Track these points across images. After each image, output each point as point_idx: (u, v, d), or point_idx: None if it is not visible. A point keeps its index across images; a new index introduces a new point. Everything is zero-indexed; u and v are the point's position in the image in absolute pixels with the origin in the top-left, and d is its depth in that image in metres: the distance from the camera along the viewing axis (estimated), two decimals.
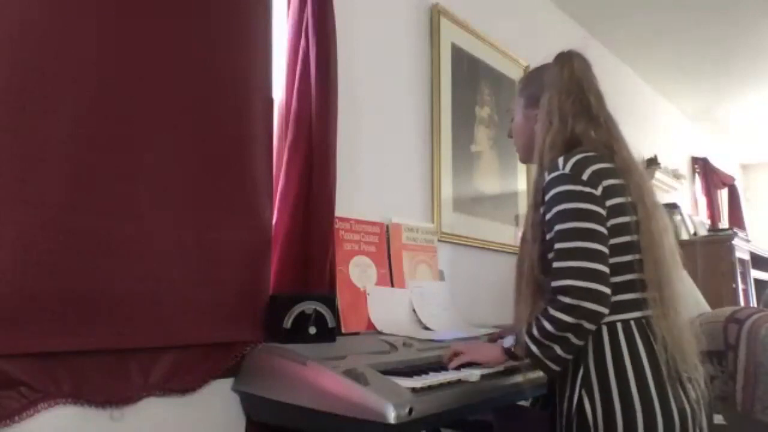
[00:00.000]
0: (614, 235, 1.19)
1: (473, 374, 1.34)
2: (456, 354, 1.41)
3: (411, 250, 1.94)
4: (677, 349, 1.17)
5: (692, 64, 4.10)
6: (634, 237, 1.21)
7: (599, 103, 1.33)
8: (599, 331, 1.19)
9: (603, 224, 1.18)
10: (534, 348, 1.20)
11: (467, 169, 2.43)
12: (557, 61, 1.36)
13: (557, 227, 1.20)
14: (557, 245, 1.19)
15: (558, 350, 1.17)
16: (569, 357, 1.19)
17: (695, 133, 5.30)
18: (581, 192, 1.19)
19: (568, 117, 1.30)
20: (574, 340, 1.16)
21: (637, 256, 1.20)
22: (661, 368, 1.16)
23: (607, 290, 1.14)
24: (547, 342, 1.18)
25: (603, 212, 1.19)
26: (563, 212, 1.19)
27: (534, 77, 1.44)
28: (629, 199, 1.22)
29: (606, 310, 1.14)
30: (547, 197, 1.24)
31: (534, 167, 1.36)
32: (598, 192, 1.20)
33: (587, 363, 1.19)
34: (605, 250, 1.17)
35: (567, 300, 1.14)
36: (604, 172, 1.22)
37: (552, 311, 1.16)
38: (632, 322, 1.19)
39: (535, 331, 1.19)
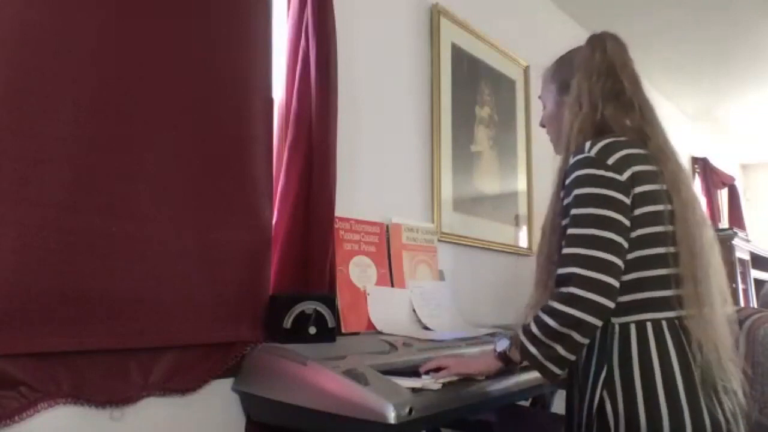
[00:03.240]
0: (645, 224, 1.12)
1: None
2: (439, 368, 1.29)
3: (411, 250, 1.94)
4: (713, 354, 1.08)
5: (692, 64, 4.10)
6: (669, 228, 1.12)
7: (634, 86, 1.26)
8: (626, 330, 1.11)
9: (624, 213, 1.10)
10: (532, 349, 1.11)
11: (467, 169, 2.43)
12: (589, 43, 1.30)
13: (573, 212, 1.13)
14: (570, 230, 1.11)
15: (560, 350, 1.08)
16: (572, 357, 1.09)
17: (695, 133, 5.29)
18: (603, 177, 1.12)
19: (598, 101, 1.23)
20: (577, 337, 1.06)
21: (671, 249, 1.11)
22: (693, 373, 1.07)
23: (616, 284, 1.06)
24: (548, 341, 1.08)
25: (626, 200, 1.11)
26: (581, 197, 1.12)
27: (565, 61, 1.37)
28: (664, 186, 1.14)
29: (612, 304, 1.05)
30: (568, 181, 1.17)
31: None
32: (623, 178, 1.12)
33: (611, 364, 1.11)
34: (621, 241, 1.08)
35: (571, 290, 1.05)
36: (633, 158, 1.15)
37: (554, 304, 1.07)
38: (664, 322, 1.10)
39: (534, 329, 1.10)
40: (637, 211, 1.12)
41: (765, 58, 3.97)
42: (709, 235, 1.17)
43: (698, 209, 1.18)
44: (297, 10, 1.66)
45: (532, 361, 1.13)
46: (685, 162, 4.93)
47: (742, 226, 5.28)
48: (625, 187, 1.12)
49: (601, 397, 1.10)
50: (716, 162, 5.38)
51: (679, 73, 4.24)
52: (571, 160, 1.18)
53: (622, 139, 1.18)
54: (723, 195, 5.64)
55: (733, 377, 1.11)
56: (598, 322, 1.07)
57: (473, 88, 2.52)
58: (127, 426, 1.22)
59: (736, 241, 4.09)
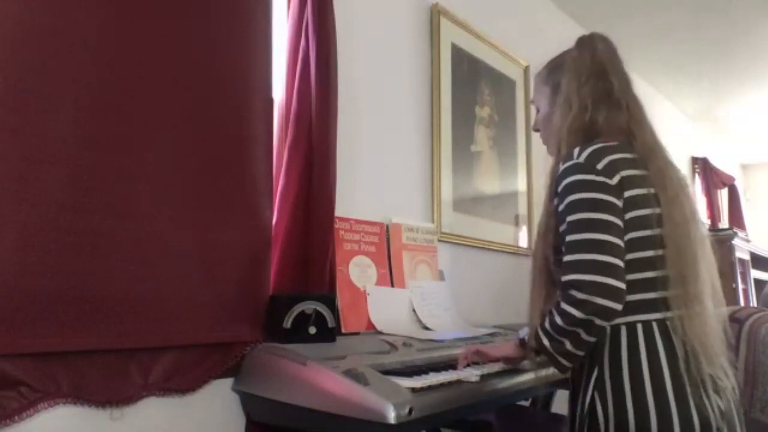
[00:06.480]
0: (633, 228, 1.13)
1: (473, 374, 1.34)
2: (473, 353, 1.41)
3: (411, 250, 1.94)
4: (704, 353, 1.09)
5: (692, 64, 4.10)
6: (656, 231, 1.14)
7: (623, 85, 1.27)
8: (617, 330, 1.14)
9: (618, 215, 1.12)
10: (546, 341, 1.16)
11: (467, 169, 2.43)
12: (578, 44, 1.32)
13: (568, 218, 1.14)
14: (568, 237, 1.13)
15: (568, 345, 1.13)
16: (580, 353, 1.14)
17: (695, 133, 5.29)
18: (594, 181, 1.14)
19: (587, 101, 1.24)
20: (584, 336, 1.11)
21: (659, 252, 1.13)
22: (681, 373, 1.08)
23: (621, 285, 1.08)
24: (557, 336, 1.14)
25: (618, 203, 1.13)
26: (574, 203, 1.14)
27: (557, 64, 1.38)
28: (651, 190, 1.16)
29: (619, 306, 1.08)
30: (559, 188, 1.19)
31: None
32: (614, 182, 1.14)
33: (602, 364, 1.14)
34: (619, 242, 1.10)
35: (578, 295, 1.08)
36: (622, 163, 1.16)
37: (563, 305, 1.11)
38: (654, 324, 1.12)
39: (547, 325, 1.16)
40: (627, 216, 1.14)
41: (765, 58, 3.97)
42: (698, 230, 1.18)
43: (686, 205, 1.19)
44: (297, 10, 1.66)
45: (545, 353, 1.18)
46: (683, 161, 4.93)
47: (742, 226, 5.28)
48: (615, 191, 1.14)
49: (593, 397, 1.14)
50: (716, 162, 5.38)
51: (679, 73, 4.24)
52: (561, 168, 1.20)
53: (609, 144, 1.19)
54: (723, 195, 5.64)
55: (725, 374, 1.12)
56: (605, 323, 1.11)
57: (473, 88, 2.52)
58: (127, 426, 1.22)
59: (736, 241, 4.09)
